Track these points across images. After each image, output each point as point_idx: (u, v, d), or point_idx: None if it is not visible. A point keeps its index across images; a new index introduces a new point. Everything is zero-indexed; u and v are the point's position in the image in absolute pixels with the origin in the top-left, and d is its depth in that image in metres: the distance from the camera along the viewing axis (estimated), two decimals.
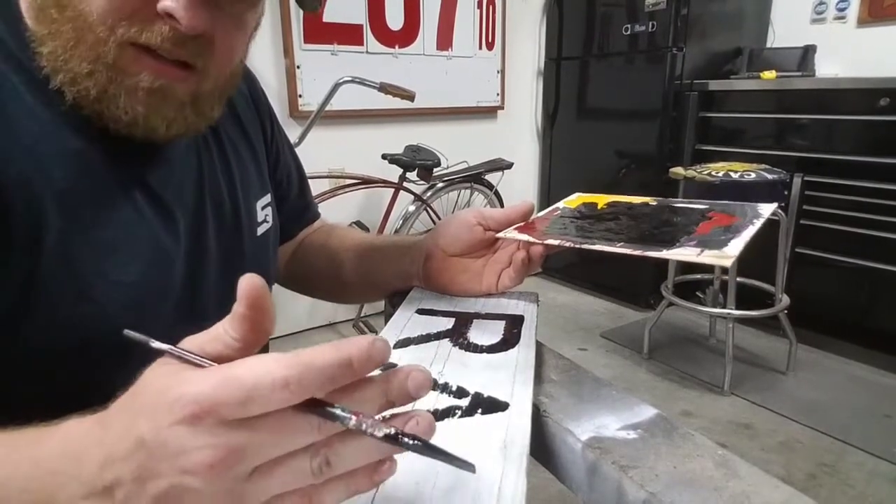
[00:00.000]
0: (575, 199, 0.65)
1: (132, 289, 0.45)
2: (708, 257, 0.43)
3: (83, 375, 0.41)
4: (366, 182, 2.28)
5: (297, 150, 0.76)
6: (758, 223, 0.49)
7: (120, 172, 0.46)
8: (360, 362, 0.24)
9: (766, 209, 0.53)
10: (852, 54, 2.43)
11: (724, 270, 2.10)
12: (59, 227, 0.41)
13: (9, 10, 0.42)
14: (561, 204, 0.64)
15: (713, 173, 1.88)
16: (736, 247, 0.44)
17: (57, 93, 0.42)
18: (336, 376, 0.24)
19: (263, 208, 0.62)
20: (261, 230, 0.61)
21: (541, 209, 0.62)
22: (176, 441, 0.24)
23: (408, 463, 0.33)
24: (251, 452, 0.24)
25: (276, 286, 0.69)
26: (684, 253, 0.44)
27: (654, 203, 0.60)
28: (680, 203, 0.59)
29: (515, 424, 0.37)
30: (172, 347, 0.27)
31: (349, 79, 1.96)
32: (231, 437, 0.24)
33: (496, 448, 0.34)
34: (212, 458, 0.23)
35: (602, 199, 0.63)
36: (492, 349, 0.47)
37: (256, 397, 0.23)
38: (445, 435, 0.36)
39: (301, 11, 2.18)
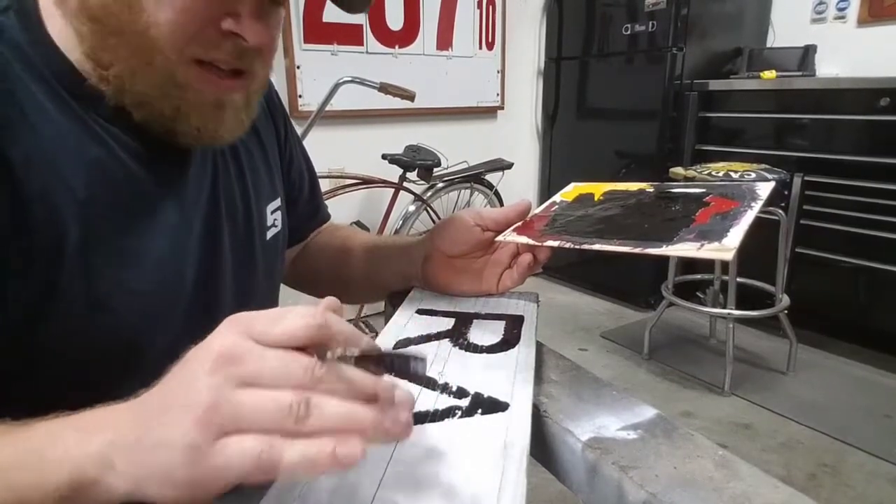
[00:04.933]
0: (571, 191, 0.64)
1: (146, 297, 0.45)
2: (708, 251, 0.42)
3: (94, 382, 0.41)
4: (366, 182, 2.27)
5: None
6: (756, 206, 0.49)
7: (139, 181, 0.46)
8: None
9: (764, 189, 0.52)
10: (852, 54, 2.43)
11: (725, 270, 2.10)
12: (78, 237, 0.41)
13: (29, 19, 0.42)
14: (557, 197, 0.63)
15: (713, 173, 1.88)
16: (735, 237, 0.43)
17: (76, 102, 0.42)
18: (349, 336, 0.31)
19: (273, 213, 0.62)
20: (270, 234, 0.61)
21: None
22: (210, 338, 0.30)
23: (408, 463, 0.33)
24: (252, 361, 0.28)
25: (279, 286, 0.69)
26: (684, 248, 0.44)
27: (651, 190, 0.59)
28: (677, 189, 0.58)
29: (515, 424, 0.37)
30: None
31: (349, 79, 1.96)
32: (243, 342, 0.29)
33: (496, 448, 0.34)
34: (220, 348, 0.29)
35: (598, 189, 0.62)
36: (492, 349, 0.47)
37: (286, 315, 0.30)
38: (445, 435, 0.36)
39: (301, 12, 2.18)
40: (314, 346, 0.30)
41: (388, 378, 0.31)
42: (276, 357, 0.29)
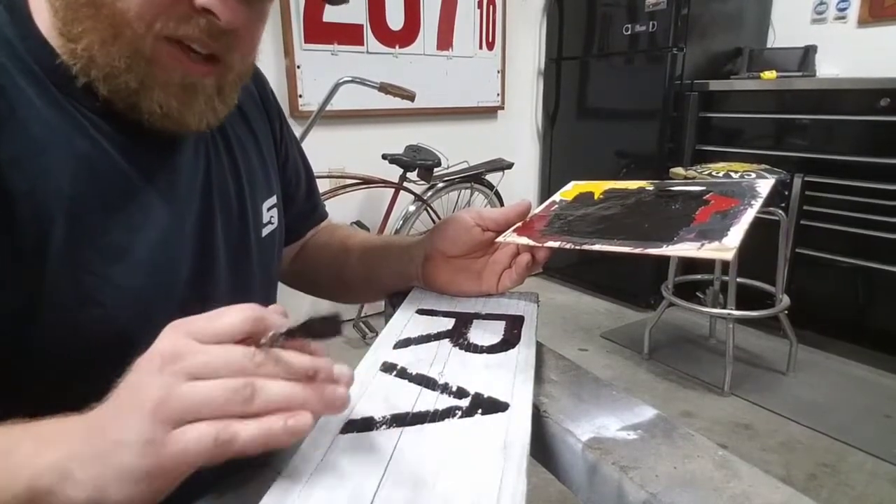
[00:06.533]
0: (571, 189, 0.64)
1: (138, 292, 0.45)
2: (708, 251, 0.42)
3: (87, 376, 0.41)
4: (366, 182, 2.28)
5: None
6: (756, 204, 0.48)
7: (128, 175, 0.45)
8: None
9: (764, 187, 0.52)
10: (853, 54, 2.43)
11: (725, 270, 2.10)
12: (65, 233, 0.41)
13: (18, 13, 0.42)
14: (557, 196, 0.63)
15: (713, 174, 1.88)
16: (735, 237, 0.43)
17: (64, 96, 0.42)
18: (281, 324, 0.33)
19: (269, 209, 0.62)
20: (266, 231, 0.61)
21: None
22: (153, 345, 0.31)
23: (408, 463, 0.33)
24: (195, 356, 0.30)
25: (278, 285, 0.69)
26: (684, 248, 0.44)
27: (651, 188, 0.59)
28: (677, 187, 0.58)
29: (515, 425, 0.37)
30: None
31: (349, 79, 1.96)
32: (184, 341, 0.31)
33: (496, 448, 0.34)
34: (162, 349, 0.31)
35: (598, 188, 0.62)
36: (492, 349, 0.47)
37: (224, 313, 0.31)
38: (445, 435, 0.36)
39: (301, 12, 2.18)
40: (252, 339, 0.32)
41: (327, 358, 0.33)
42: (217, 349, 0.30)
